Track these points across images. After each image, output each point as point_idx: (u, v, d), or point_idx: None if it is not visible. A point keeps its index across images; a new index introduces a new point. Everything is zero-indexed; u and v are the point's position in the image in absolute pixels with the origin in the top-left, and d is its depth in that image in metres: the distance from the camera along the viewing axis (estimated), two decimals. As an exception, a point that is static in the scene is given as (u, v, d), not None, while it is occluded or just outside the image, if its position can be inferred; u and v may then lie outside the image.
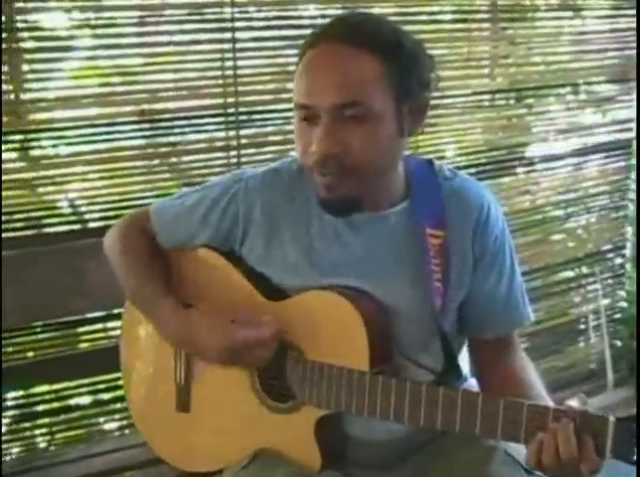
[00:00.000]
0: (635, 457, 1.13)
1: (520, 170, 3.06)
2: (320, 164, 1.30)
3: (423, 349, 1.44)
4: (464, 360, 1.56)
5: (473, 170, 2.84)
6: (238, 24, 2.30)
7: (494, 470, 1.36)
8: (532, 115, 3.02)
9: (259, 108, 2.43)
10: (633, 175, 3.24)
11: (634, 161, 3.21)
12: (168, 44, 2.27)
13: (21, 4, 2.05)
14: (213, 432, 1.54)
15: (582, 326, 3.34)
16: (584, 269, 3.32)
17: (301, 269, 1.43)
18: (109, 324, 2.35)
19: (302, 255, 1.44)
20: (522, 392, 1.39)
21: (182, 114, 2.33)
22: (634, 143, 3.21)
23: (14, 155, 2.18)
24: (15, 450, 2.38)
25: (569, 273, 3.29)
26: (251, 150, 2.42)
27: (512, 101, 2.97)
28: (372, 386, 1.33)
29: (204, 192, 1.54)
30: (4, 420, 2.34)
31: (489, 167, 2.92)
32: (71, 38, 2.16)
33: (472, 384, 1.54)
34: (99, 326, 2.37)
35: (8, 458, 2.36)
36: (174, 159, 2.35)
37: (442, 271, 1.39)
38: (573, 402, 1.22)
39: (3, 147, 2.09)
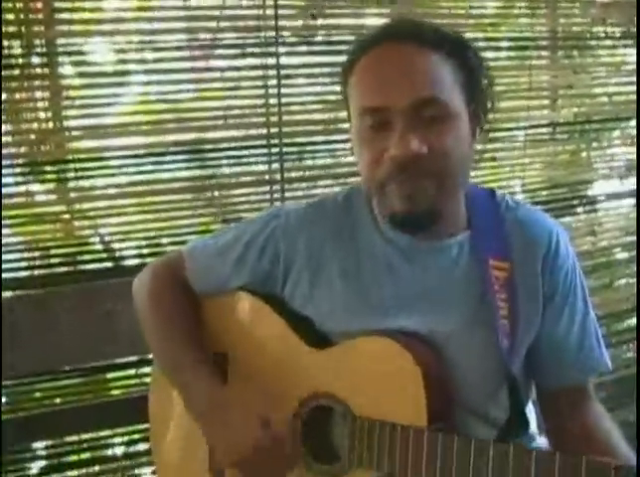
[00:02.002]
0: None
1: (582, 209, 2.96)
2: (400, 169, 1.18)
3: (489, 399, 1.31)
4: (531, 416, 1.43)
5: (533, 208, 2.71)
6: (282, 49, 2.22)
7: None
8: (595, 150, 2.92)
9: (305, 140, 2.35)
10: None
11: None
12: (209, 70, 2.21)
13: (63, 27, 2.03)
14: None
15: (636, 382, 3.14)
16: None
17: (350, 310, 1.32)
18: (142, 370, 2.26)
19: (351, 294, 1.33)
20: (600, 447, 1.27)
21: (223, 146, 2.26)
22: None
23: (47, 187, 2.15)
24: None
25: (635, 321, 3.11)
26: (296, 185, 2.35)
27: (576, 135, 2.87)
28: (430, 444, 1.18)
29: (240, 229, 1.44)
30: (33, 471, 2.29)
31: (550, 206, 2.81)
32: (111, 65, 2.12)
33: (541, 442, 1.42)
34: (131, 372, 2.29)
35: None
36: (215, 193, 2.28)
37: (509, 307, 1.28)
38: None
39: (39, 178, 2.09)
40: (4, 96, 2.00)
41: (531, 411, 1.43)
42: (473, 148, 1.28)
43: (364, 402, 1.26)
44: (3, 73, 1.96)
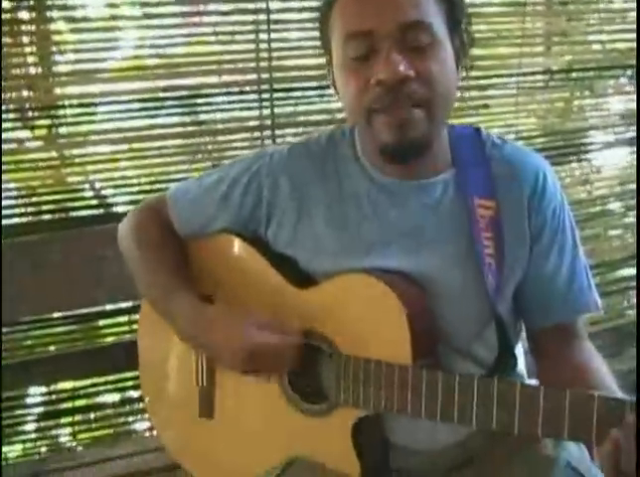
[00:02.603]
0: None
1: (576, 158, 2.90)
2: (389, 94, 1.16)
3: (476, 337, 1.31)
4: (520, 357, 1.43)
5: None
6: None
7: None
8: (589, 98, 2.86)
9: (296, 85, 2.30)
10: None
11: None
12: (198, 15, 2.17)
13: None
14: (239, 440, 1.41)
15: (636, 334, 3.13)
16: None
17: (333, 249, 1.31)
18: (134, 317, 2.25)
19: (335, 233, 1.31)
20: (590, 386, 1.24)
21: (214, 91, 2.23)
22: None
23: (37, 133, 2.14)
24: (42, 450, 2.35)
25: (630, 271, 3.10)
26: (287, 130, 2.31)
27: (570, 83, 2.81)
28: (415, 381, 1.18)
29: (224, 171, 1.43)
30: (29, 417, 2.31)
31: (544, 154, 2.70)
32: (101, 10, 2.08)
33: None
34: (124, 319, 2.28)
35: (37, 457, 2.33)
36: (205, 139, 2.25)
37: (495, 246, 1.26)
38: None
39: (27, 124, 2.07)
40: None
41: (519, 354, 1.42)
42: (458, 79, 1.25)
43: (349, 340, 1.25)
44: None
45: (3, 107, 2.00)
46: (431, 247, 1.27)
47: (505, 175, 1.30)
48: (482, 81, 2.52)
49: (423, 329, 1.22)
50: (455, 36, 1.22)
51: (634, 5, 2.72)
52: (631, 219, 3.07)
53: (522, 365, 1.43)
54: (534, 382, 1.41)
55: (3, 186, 2.03)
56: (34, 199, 2.13)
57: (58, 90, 2.11)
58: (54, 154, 2.13)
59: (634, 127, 2.92)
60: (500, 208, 1.28)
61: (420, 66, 1.15)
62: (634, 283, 3.11)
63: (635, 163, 2.93)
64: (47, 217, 2.15)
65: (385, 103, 1.17)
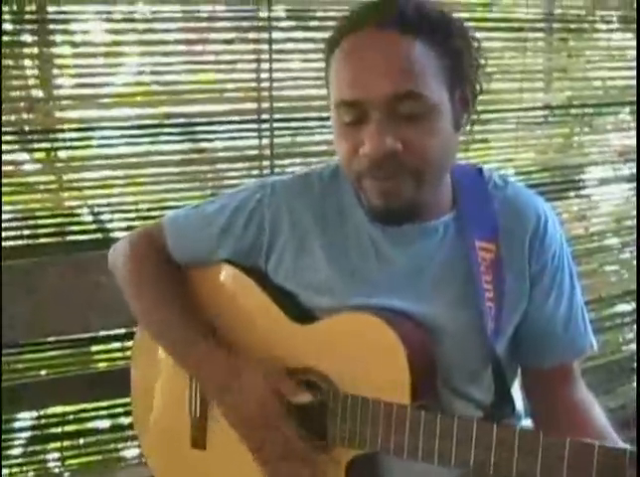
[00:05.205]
0: None
1: (574, 193, 2.93)
2: (376, 166, 1.15)
3: (473, 379, 1.30)
4: (517, 397, 1.41)
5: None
6: (275, 23, 2.19)
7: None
8: (588, 135, 2.89)
9: (296, 116, 2.31)
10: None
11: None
12: (201, 43, 2.18)
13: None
14: (232, 472, 1.38)
15: (636, 364, 3.14)
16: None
17: (334, 287, 1.29)
18: (127, 344, 2.22)
19: (336, 271, 1.30)
20: (585, 431, 1.26)
21: (214, 119, 2.23)
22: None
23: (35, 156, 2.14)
24: (30, 475, 2.31)
25: (625, 307, 3.12)
26: (286, 161, 2.31)
27: (569, 119, 2.84)
28: (413, 422, 1.17)
29: (224, 200, 1.41)
30: (17, 442, 2.28)
31: (542, 189, 2.77)
32: (104, 36, 2.09)
33: (527, 423, 1.41)
34: (118, 345, 2.27)
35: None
36: (204, 167, 2.25)
37: (495, 290, 1.25)
38: None
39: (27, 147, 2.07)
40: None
41: (517, 392, 1.41)
42: (457, 138, 1.23)
43: (348, 378, 1.24)
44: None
45: (2, 129, 2.00)
46: (432, 289, 1.27)
47: (507, 217, 1.29)
48: (482, 116, 2.52)
49: (423, 370, 1.21)
50: (459, 88, 1.18)
51: (634, 43, 2.75)
52: (627, 255, 3.08)
53: (519, 404, 1.41)
54: (529, 422, 1.41)
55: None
56: (31, 222, 2.12)
57: (58, 114, 2.11)
58: (52, 178, 2.12)
59: (632, 164, 2.94)
60: (501, 250, 1.27)
61: (411, 136, 1.13)
62: (629, 319, 3.11)
63: (635, 199, 2.94)
64: (44, 240, 2.14)
65: (372, 173, 1.16)
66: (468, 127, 1.27)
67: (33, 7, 1.96)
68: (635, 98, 2.75)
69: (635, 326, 3.07)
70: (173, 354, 1.38)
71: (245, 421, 1.25)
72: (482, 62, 1.22)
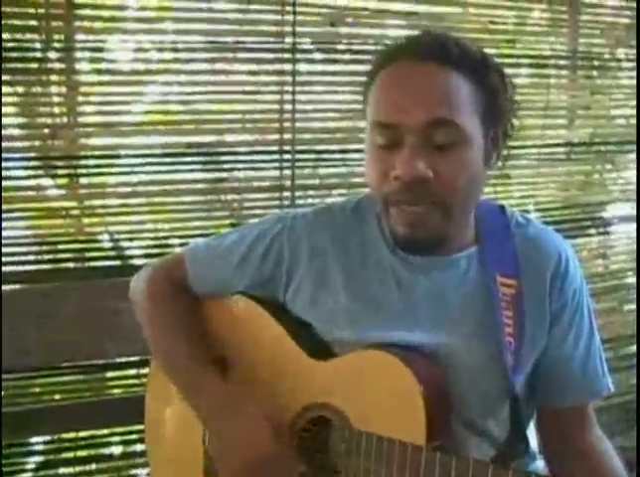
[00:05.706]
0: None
1: (595, 231, 2.93)
2: (405, 190, 1.15)
3: (490, 414, 1.28)
4: (531, 436, 1.38)
5: (545, 228, 2.69)
6: (299, 56, 2.20)
7: None
8: (610, 172, 2.88)
9: (318, 148, 2.31)
10: None
11: None
12: (226, 73, 2.20)
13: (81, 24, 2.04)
14: None
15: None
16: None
17: (353, 318, 1.29)
18: (142, 370, 2.23)
19: (356, 304, 1.29)
20: (599, 470, 1.26)
21: (236, 149, 2.25)
22: None
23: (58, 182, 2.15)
24: None
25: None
26: (307, 192, 2.32)
27: (591, 156, 2.83)
28: (428, 463, 1.14)
29: (244, 230, 1.41)
30: (28, 467, 2.28)
31: (563, 226, 2.76)
32: (129, 64, 2.12)
33: (540, 466, 1.37)
34: (132, 372, 2.28)
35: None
36: (226, 197, 2.26)
37: (515, 325, 1.25)
38: None
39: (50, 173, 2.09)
40: (20, 90, 2.01)
41: (532, 431, 1.38)
42: (486, 174, 1.24)
43: (363, 416, 1.23)
44: (20, 66, 1.98)
45: (27, 155, 2.02)
46: (453, 322, 1.26)
47: (528, 255, 1.29)
48: (504, 152, 2.52)
49: (440, 411, 1.19)
50: (493, 127, 1.20)
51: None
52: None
53: (534, 443, 1.39)
54: (542, 462, 1.37)
55: (22, 233, 2.05)
56: (51, 247, 2.13)
57: (82, 141, 2.13)
58: (74, 203, 2.14)
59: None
60: (522, 287, 1.27)
61: (442, 166, 1.14)
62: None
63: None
64: (63, 265, 2.15)
65: (401, 198, 1.16)
66: (499, 163, 1.27)
67: (61, 36, 1.99)
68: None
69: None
70: (175, 382, 1.37)
71: (232, 463, 1.25)
72: (515, 103, 1.24)
